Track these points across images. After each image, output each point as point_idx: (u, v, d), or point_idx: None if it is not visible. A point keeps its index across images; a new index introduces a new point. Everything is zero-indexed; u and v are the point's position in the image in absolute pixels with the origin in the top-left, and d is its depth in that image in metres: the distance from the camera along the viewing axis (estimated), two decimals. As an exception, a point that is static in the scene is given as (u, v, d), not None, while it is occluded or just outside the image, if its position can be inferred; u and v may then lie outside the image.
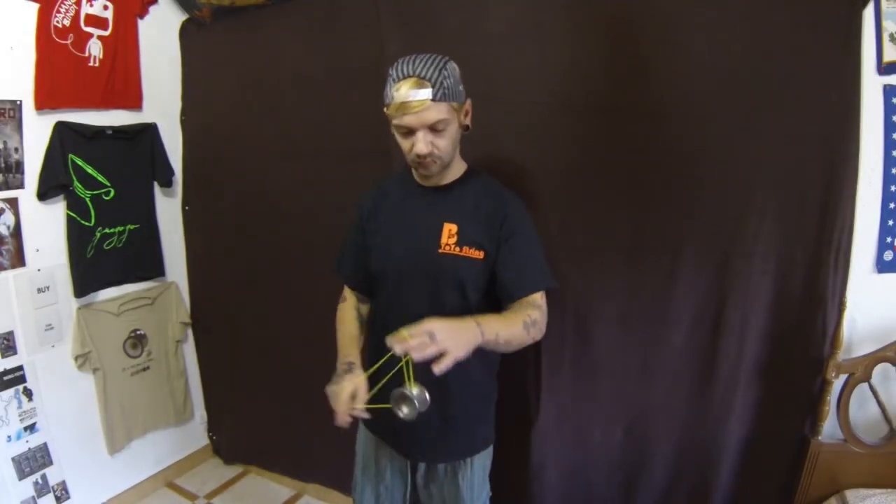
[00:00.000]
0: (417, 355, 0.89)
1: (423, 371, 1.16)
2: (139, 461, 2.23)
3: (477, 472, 1.26)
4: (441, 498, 1.26)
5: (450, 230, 1.14)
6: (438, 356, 0.89)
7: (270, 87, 2.02)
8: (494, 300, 1.17)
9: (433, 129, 1.05)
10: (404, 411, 1.00)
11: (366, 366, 1.21)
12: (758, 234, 1.34)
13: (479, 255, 1.13)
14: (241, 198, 2.18)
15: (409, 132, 1.06)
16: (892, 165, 1.27)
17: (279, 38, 1.97)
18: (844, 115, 1.24)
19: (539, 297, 1.15)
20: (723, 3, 1.31)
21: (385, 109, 1.08)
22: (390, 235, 1.20)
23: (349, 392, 1.03)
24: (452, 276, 1.14)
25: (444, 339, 0.90)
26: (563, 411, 1.60)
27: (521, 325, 1.07)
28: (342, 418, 1.02)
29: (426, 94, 1.00)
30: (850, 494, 1.29)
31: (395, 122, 1.06)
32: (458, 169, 1.20)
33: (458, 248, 1.13)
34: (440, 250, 1.14)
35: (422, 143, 1.04)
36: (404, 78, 1.02)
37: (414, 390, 0.98)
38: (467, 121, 1.16)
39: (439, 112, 1.03)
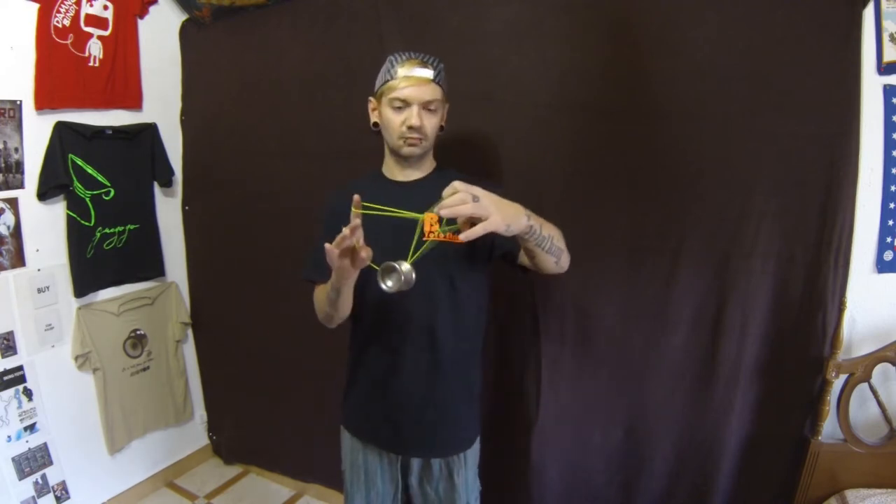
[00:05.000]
0: (448, 212, 0.86)
1: (415, 361, 1.17)
2: (139, 461, 2.23)
3: (470, 468, 1.27)
4: (437, 498, 1.25)
5: (431, 218, 1.15)
6: (471, 222, 0.86)
7: (270, 86, 2.02)
8: (481, 290, 1.22)
9: (427, 107, 1.13)
10: (388, 284, 1.00)
11: (347, 375, 1.27)
12: (758, 235, 1.34)
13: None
14: (241, 198, 2.18)
15: (405, 105, 1.12)
16: (893, 165, 1.27)
17: (279, 38, 1.97)
18: (844, 115, 1.25)
19: None
20: (723, 3, 1.32)
21: (381, 86, 1.14)
22: (372, 230, 1.20)
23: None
24: (441, 261, 1.14)
25: (489, 205, 0.88)
26: (563, 411, 1.60)
27: (558, 231, 1.09)
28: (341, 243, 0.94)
29: (430, 73, 1.12)
30: (850, 494, 1.29)
31: (394, 94, 1.12)
32: (429, 165, 1.25)
33: (441, 235, 1.13)
34: (424, 238, 1.14)
35: (415, 116, 1.11)
36: (409, 59, 1.12)
37: (405, 266, 0.98)
38: (443, 121, 1.22)
39: (435, 93, 1.13)
